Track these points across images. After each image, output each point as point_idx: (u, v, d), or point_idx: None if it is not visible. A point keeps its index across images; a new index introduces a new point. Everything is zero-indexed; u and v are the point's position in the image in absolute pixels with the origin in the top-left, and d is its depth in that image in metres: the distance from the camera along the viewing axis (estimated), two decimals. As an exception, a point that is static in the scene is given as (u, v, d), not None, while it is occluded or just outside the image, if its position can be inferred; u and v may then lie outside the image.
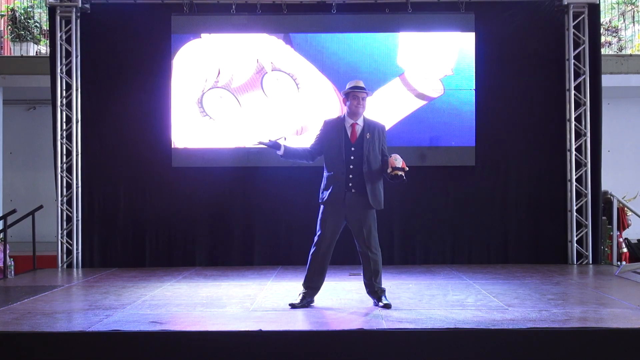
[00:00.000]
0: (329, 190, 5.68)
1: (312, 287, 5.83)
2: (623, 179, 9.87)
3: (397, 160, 5.53)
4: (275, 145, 5.75)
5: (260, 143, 5.77)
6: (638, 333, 4.84)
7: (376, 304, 5.77)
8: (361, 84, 5.78)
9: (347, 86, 5.81)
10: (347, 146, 5.69)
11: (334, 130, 5.77)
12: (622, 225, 9.32)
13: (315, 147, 5.86)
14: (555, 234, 8.85)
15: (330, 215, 5.72)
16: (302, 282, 5.91)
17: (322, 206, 5.80)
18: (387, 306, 5.67)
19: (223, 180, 8.90)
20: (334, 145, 5.72)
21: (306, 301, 5.80)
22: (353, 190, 5.65)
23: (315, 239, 5.80)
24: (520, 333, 4.85)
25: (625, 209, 9.25)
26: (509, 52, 8.88)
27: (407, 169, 5.56)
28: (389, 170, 5.55)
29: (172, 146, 8.83)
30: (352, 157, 5.67)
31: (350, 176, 5.65)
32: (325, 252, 5.77)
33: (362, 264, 5.81)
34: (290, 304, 5.80)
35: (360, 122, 5.76)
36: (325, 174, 5.79)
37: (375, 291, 5.79)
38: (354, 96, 5.71)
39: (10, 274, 8.46)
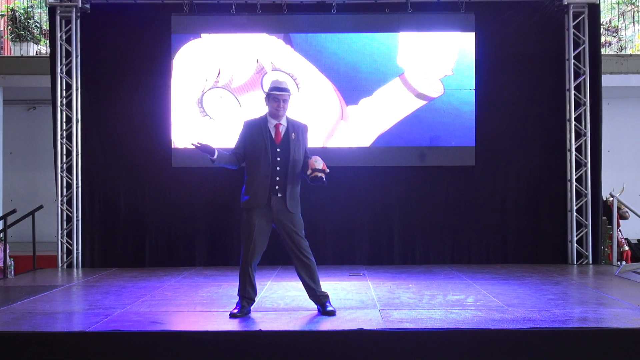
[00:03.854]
0: (253, 196, 5.40)
1: (247, 297, 5.49)
2: (623, 179, 9.84)
3: (318, 162, 5.34)
4: (208, 150, 5.31)
5: (194, 145, 5.32)
6: (638, 333, 4.84)
7: (320, 311, 5.50)
8: (284, 85, 5.43)
9: (270, 85, 5.47)
10: (273, 147, 5.38)
11: (256, 132, 5.42)
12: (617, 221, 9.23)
13: (239, 151, 5.50)
14: (555, 234, 8.85)
15: (256, 222, 5.41)
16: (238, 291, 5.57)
17: (244, 213, 5.48)
18: (331, 313, 5.41)
19: (223, 180, 8.89)
20: (259, 147, 5.39)
21: (246, 310, 5.46)
22: (279, 195, 5.38)
23: (242, 251, 5.50)
24: (520, 333, 4.84)
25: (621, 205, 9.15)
26: (509, 52, 8.88)
27: (328, 170, 5.38)
28: (309, 172, 5.35)
29: (172, 146, 8.83)
30: (278, 159, 5.37)
31: (277, 179, 5.37)
32: (255, 264, 5.48)
33: (296, 269, 5.52)
34: (230, 314, 5.43)
35: (283, 122, 5.45)
36: (246, 177, 5.50)
37: (318, 296, 5.52)
38: (274, 98, 5.38)
39: (10, 274, 8.45)
